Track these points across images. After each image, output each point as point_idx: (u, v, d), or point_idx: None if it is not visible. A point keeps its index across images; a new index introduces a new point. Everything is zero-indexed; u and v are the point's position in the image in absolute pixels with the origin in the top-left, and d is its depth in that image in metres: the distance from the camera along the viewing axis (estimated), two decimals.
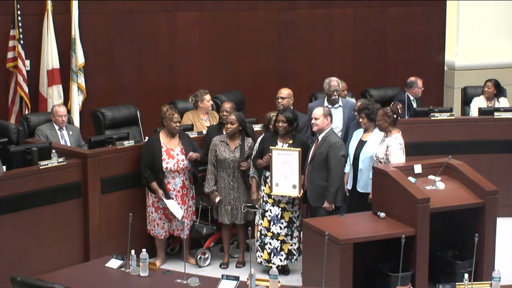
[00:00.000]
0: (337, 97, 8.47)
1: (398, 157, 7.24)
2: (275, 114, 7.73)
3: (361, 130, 7.64)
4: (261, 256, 7.63)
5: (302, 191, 7.48)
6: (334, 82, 8.52)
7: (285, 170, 7.43)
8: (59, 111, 8.49)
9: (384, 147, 7.30)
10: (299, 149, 7.42)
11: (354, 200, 7.55)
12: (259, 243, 7.64)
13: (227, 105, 8.17)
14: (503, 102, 10.09)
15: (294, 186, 7.44)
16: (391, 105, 9.10)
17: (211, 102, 9.06)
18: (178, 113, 7.78)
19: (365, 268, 6.78)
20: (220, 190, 7.74)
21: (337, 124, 8.16)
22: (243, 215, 7.74)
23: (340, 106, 8.47)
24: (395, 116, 7.34)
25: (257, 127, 8.35)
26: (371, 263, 6.82)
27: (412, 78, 10.00)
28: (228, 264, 7.90)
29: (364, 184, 7.42)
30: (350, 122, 8.25)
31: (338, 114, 8.29)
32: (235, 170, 7.70)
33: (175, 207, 7.68)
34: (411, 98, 9.92)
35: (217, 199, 7.71)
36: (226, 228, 7.86)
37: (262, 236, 7.62)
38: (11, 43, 9.44)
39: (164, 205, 7.70)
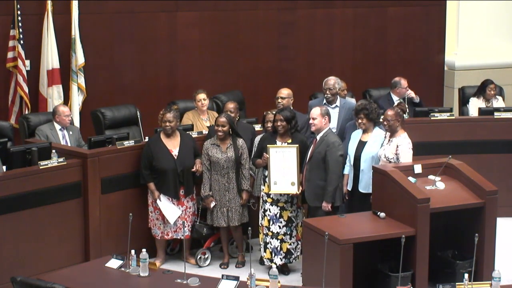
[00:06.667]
0: (329, 96, 8.42)
1: (408, 157, 7.29)
2: (273, 112, 7.75)
3: (359, 131, 7.63)
4: (264, 255, 7.64)
5: (301, 188, 7.47)
6: (330, 81, 8.47)
7: (283, 168, 7.42)
8: (65, 111, 8.48)
9: (393, 147, 7.31)
10: (297, 145, 7.42)
11: (355, 201, 7.54)
12: (263, 244, 7.65)
13: (231, 105, 8.14)
14: (500, 102, 10.09)
15: (292, 184, 7.44)
16: (395, 104, 9.12)
17: (204, 101, 8.97)
18: (172, 112, 7.76)
19: (365, 268, 6.78)
20: (215, 193, 7.73)
21: (332, 125, 8.08)
22: (238, 217, 7.74)
23: (336, 106, 8.44)
24: (404, 115, 7.40)
25: (257, 127, 8.36)
26: (371, 263, 6.82)
27: (396, 78, 9.71)
28: (228, 264, 7.91)
29: (366, 185, 7.42)
30: (345, 123, 8.21)
31: (333, 115, 8.22)
32: (229, 171, 7.69)
33: (169, 211, 7.69)
34: (395, 98, 9.60)
35: (212, 204, 7.70)
36: (223, 229, 7.86)
37: (264, 236, 7.63)
38: (11, 43, 9.44)
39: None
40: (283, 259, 7.60)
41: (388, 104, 9.14)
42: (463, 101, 10.47)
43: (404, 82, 9.71)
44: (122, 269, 6.18)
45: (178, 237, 7.79)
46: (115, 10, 10.09)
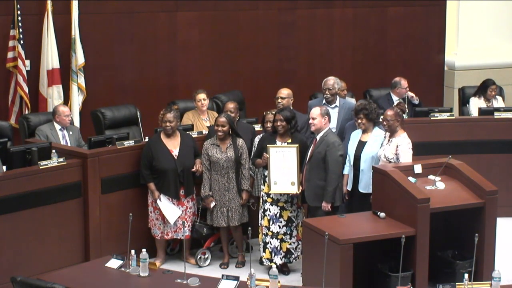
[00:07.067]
0: (329, 96, 8.42)
1: (407, 156, 7.29)
2: (273, 112, 7.75)
3: (359, 131, 7.63)
4: (263, 256, 7.64)
5: (301, 188, 7.47)
6: (329, 81, 8.47)
7: (283, 167, 7.42)
8: (65, 111, 8.48)
9: (393, 147, 7.31)
10: (297, 145, 7.42)
11: (355, 201, 7.54)
12: (262, 244, 7.65)
13: (231, 105, 8.13)
14: (500, 102, 10.09)
15: (292, 183, 7.43)
16: (395, 104, 9.11)
17: (204, 101, 8.96)
18: (173, 113, 7.76)
19: (365, 268, 6.78)
20: (214, 193, 7.72)
21: (332, 125, 8.06)
22: (238, 217, 7.74)
23: (336, 106, 8.44)
24: (403, 115, 7.39)
25: (257, 127, 8.36)
26: (371, 263, 6.82)
27: (396, 79, 9.74)
28: (228, 264, 7.91)
29: (366, 185, 7.42)
30: (345, 123, 8.20)
31: (333, 115, 8.21)
32: (229, 171, 7.69)
33: (169, 211, 7.69)
34: (395, 99, 9.63)
35: (212, 204, 7.70)
36: (223, 229, 7.86)
37: (264, 236, 7.63)
38: (11, 43, 9.45)
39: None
40: (283, 259, 7.60)
41: (388, 104, 9.15)
42: (463, 101, 10.47)
43: (404, 82, 9.72)
44: (122, 269, 6.18)
45: (178, 237, 7.79)
46: (115, 10, 10.09)
